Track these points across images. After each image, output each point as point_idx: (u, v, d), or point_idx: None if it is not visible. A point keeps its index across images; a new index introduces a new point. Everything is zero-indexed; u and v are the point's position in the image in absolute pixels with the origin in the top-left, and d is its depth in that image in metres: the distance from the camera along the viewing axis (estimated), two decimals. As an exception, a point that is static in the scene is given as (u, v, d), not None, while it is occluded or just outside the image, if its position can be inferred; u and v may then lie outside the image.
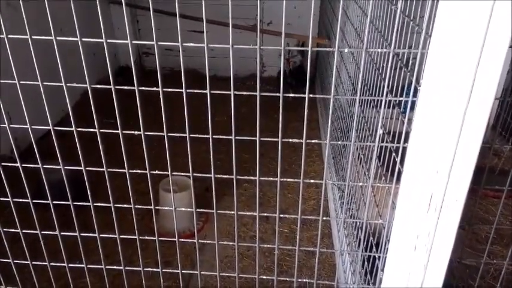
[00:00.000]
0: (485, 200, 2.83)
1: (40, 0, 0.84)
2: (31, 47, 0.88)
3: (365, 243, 1.59)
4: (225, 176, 1.02)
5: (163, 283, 1.19)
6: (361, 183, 1.94)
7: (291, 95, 0.95)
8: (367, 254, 1.53)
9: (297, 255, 1.19)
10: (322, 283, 2.20)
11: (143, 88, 0.92)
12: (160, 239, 1.15)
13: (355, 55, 2.28)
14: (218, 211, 1.09)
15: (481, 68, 0.71)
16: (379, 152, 1.45)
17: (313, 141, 1.05)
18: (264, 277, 1.20)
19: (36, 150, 1.03)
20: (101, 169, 1.02)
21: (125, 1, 4.53)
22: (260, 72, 5.05)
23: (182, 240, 2.65)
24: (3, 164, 1.06)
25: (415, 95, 0.94)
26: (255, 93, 0.90)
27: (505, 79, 2.95)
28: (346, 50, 2.55)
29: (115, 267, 1.17)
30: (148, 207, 1.11)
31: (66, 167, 1.04)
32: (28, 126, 1.00)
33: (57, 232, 1.15)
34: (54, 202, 1.11)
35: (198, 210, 1.10)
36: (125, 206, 1.08)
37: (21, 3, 0.86)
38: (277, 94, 0.90)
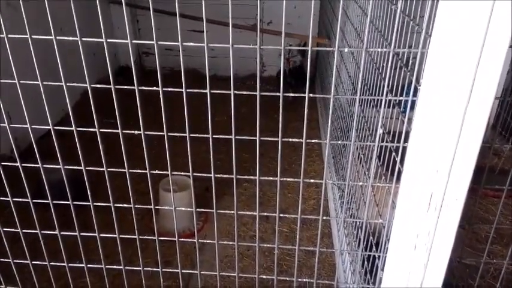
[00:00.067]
0: (485, 199, 2.83)
1: (40, 0, 0.84)
2: (31, 46, 0.88)
3: (365, 242, 1.59)
4: (225, 176, 1.02)
5: (163, 283, 1.19)
6: (361, 183, 1.94)
7: (291, 94, 0.95)
8: (367, 254, 1.53)
9: (297, 255, 1.19)
10: (322, 283, 2.20)
11: (143, 88, 0.92)
12: (160, 238, 1.15)
13: (355, 55, 2.28)
14: (218, 211, 1.09)
15: (481, 67, 0.71)
16: (379, 151, 1.45)
17: (313, 140, 1.05)
18: (264, 277, 1.20)
19: (36, 150, 1.03)
20: (101, 169, 1.02)
21: (124, 1, 4.53)
22: (260, 72, 5.05)
23: (182, 240, 2.65)
24: (3, 163, 1.06)
25: (415, 94, 0.94)
26: (255, 93, 0.90)
27: (505, 79, 2.95)
28: (346, 50, 2.55)
29: (115, 266, 1.17)
30: (148, 207, 1.11)
31: (66, 167, 1.04)
32: (28, 126, 1.00)
33: (57, 232, 1.15)
34: (54, 202, 1.11)
35: (198, 210, 1.10)
36: (125, 205, 1.08)
37: (21, 3, 0.86)
38: (277, 94, 0.90)
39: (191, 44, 0.86)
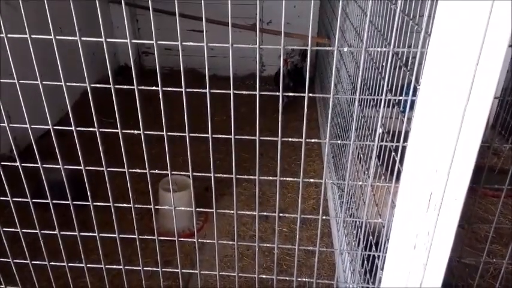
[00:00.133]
0: (484, 199, 2.83)
1: (40, 0, 0.84)
2: (30, 46, 0.88)
3: (364, 242, 1.59)
4: (224, 175, 1.02)
5: (163, 282, 1.19)
6: (360, 183, 1.94)
7: (291, 94, 0.95)
8: (367, 253, 1.53)
9: (297, 255, 1.19)
10: (322, 282, 2.20)
11: (143, 87, 0.92)
12: (159, 238, 1.15)
13: (355, 54, 2.28)
14: (218, 210, 1.09)
15: (481, 67, 0.71)
16: (379, 151, 1.45)
17: (312, 140, 1.05)
18: (264, 276, 1.20)
19: (35, 150, 1.03)
20: (101, 168, 1.02)
21: (124, 0, 4.53)
22: (260, 72, 5.05)
23: (182, 239, 2.65)
24: (2, 163, 1.06)
25: (414, 94, 0.94)
26: (254, 93, 0.90)
27: (504, 78, 2.95)
28: (345, 49, 2.55)
29: (115, 266, 1.17)
30: (148, 206, 1.11)
31: (65, 167, 1.04)
32: (28, 126, 1.00)
33: (56, 232, 1.15)
34: (54, 202, 1.11)
35: (197, 209, 1.10)
36: (125, 205, 1.08)
37: (20, 3, 0.86)
38: (277, 93, 0.90)
39: (191, 43, 0.86)
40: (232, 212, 1.09)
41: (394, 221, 0.91)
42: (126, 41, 0.87)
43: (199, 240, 2.66)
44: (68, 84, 0.93)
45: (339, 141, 2.99)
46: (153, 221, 1.15)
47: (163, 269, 1.18)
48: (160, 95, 0.91)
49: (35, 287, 1.26)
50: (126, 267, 1.19)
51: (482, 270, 2.17)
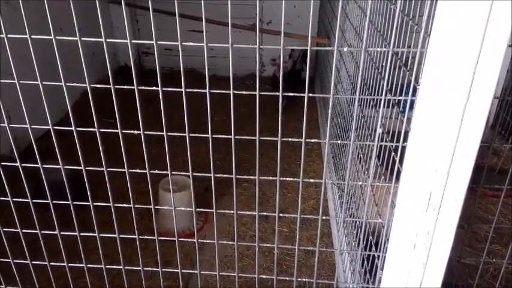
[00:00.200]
0: (484, 199, 2.83)
1: (40, 0, 0.84)
2: (30, 46, 0.88)
3: (364, 242, 1.59)
4: (224, 176, 1.02)
5: (163, 283, 1.20)
6: (360, 183, 1.94)
7: (291, 94, 0.95)
8: (367, 253, 1.53)
9: (297, 255, 1.19)
10: (322, 282, 2.20)
11: (143, 88, 0.93)
12: (160, 238, 1.15)
13: (355, 54, 2.29)
14: (218, 211, 1.09)
15: (480, 67, 0.71)
16: (379, 151, 1.45)
17: (312, 140, 1.05)
18: (264, 276, 1.20)
19: (35, 150, 1.03)
20: (101, 169, 1.02)
21: (124, 1, 4.53)
22: (259, 72, 5.05)
23: (182, 239, 2.65)
24: (3, 163, 1.06)
25: (414, 94, 0.94)
26: (254, 93, 0.90)
27: (504, 78, 2.95)
28: (345, 49, 2.55)
29: (115, 266, 1.17)
30: (148, 206, 1.11)
31: (65, 167, 1.04)
32: (28, 126, 1.00)
33: (56, 232, 1.15)
34: (54, 202, 1.11)
35: (197, 209, 1.10)
36: (125, 205, 1.09)
37: (20, 3, 0.86)
38: (277, 93, 0.90)
39: (190, 43, 0.86)
40: (232, 212, 1.09)
41: (394, 221, 0.91)
42: (126, 41, 0.87)
43: (199, 240, 2.66)
44: (68, 84, 0.93)
45: (338, 141, 2.99)
46: (153, 221, 1.15)
47: (163, 269, 1.18)
48: (160, 95, 0.91)
49: (35, 287, 1.26)
50: (126, 268, 1.19)
51: (482, 270, 2.17)
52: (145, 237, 1.15)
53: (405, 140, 0.86)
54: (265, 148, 3.47)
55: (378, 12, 1.77)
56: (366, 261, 1.55)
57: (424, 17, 0.93)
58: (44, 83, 0.93)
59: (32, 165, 1.05)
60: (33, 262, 1.22)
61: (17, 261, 1.23)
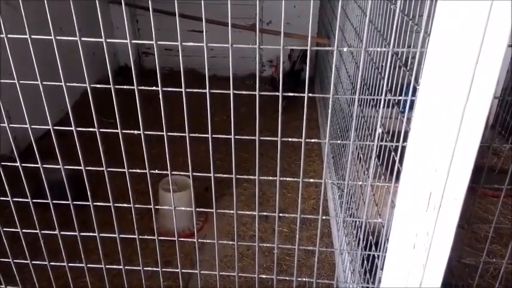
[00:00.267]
0: (484, 199, 2.83)
1: (40, 0, 0.84)
2: (31, 46, 0.88)
3: (364, 242, 1.59)
4: (224, 176, 1.02)
5: (163, 282, 1.20)
6: (360, 182, 1.94)
7: (291, 94, 0.95)
8: (367, 253, 1.53)
9: (297, 255, 1.19)
10: (322, 282, 2.20)
11: (143, 88, 0.93)
12: (160, 238, 1.15)
13: (355, 54, 2.29)
14: (218, 210, 1.10)
15: (480, 66, 0.72)
16: (379, 151, 1.46)
17: (312, 140, 1.05)
18: (264, 276, 1.20)
19: (35, 150, 1.03)
20: (101, 169, 1.02)
21: (124, 1, 4.53)
22: (259, 72, 5.05)
23: (182, 239, 2.65)
24: (3, 163, 1.06)
25: (414, 94, 0.94)
26: (254, 93, 0.90)
27: (504, 78, 2.95)
28: (345, 49, 2.55)
29: (115, 266, 1.17)
30: (148, 206, 1.11)
31: (65, 167, 1.04)
32: (28, 126, 1.00)
33: (56, 232, 1.15)
34: (54, 202, 1.11)
35: (197, 209, 1.10)
36: (125, 205, 1.09)
37: (20, 3, 0.86)
38: (277, 93, 0.90)
39: (190, 43, 0.86)
40: (232, 212, 1.09)
41: (394, 220, 0.91)
42: (126, 41, 0.87)
43: (199, 240, 2.66)
44: (68, 84, 0.93)
45: (338, 141, 2.99)
46: (153, 221, 1.15)
47: (163, 269, 1.18)
48: (160, 95, 0.91)
49: (35, 287, 1.26)
50: (126, 267, 1.19)
51: (482, 270, 2.17)
52: (146, 237, 1.15)
53: (405, 139, 0.86)
54: (265, 148, 3.47)
55: (377, 12, 1.77)
56: (365, 261, 1.55)
57: (424, 16, 0.93)
58: (44, 83, 0.93)
59: (32, 165, 1.05)
60: (33, 262, 1.23)
61: (17, 261, 1.23)
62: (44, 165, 1.05)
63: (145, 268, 1.18)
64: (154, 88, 0.92)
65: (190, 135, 0.96)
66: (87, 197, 1.06)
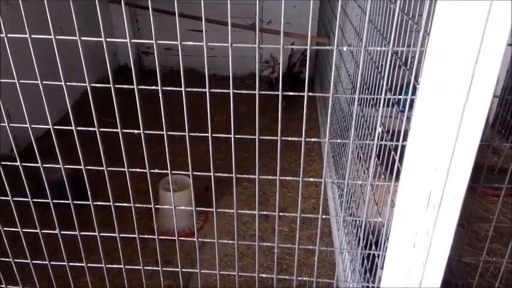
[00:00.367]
0: (484, 198, 2.83)
1: (40, 0, 0.84)
2: (31, 46, 0.88)
3: (364, 241, 1.60)
4: (224, 175, 1.02)
5: (163, 282, 1.20)
6: (360, 182, 1.94)
7: (291, 93, 0.95)
8: (367, 252, 1.54)
9: (297, 254, 1.19)
10: (322, 281, 2.20)
11: (143, 87, 0.93)
12: (160, 237, 1.15)
13: (355, 54, 2.29)
14: (218, 210, 1.10)
15: (479, 65, 0.72)
16: (378, 150, 1.46)
17: (312, 139, 1.05)
18: (264, 275, 1.21)
19: (36, 149, 1.03)
20: (101, 168, 1.02)
21: (124, 0, 4.53)
22: (259, 72, 5.05)
23: (182, 239, 2.65)
24: (3, 163, 1.07)
25: (413, 93, 0.94)
26: (254, 92, 0.90)
27: (504, 77, 2.95)
28: (345, 49, 2.55)
29: (115, 266, 1.18)
30: (148, 206, 1.11)
31: (66, 166, 1.04)
32: (28, 125, 1.00)
33: (57, 231, 1.15)
34: (54, 201, 1.11)
35: (197, 209, 1.10)
36: (125, 204, 1.09)
37: (20, 3, 0.86)
38: (277, 93, 0.90)
39: (190, 43, 0.86)
40: (232, 211, 1.10)
41: (394, 219, 0.91)
42: (126, 40, 0.87)
43: (200, 239, 2.65)
44: (68, 84, 0.93)
45: (338, 141, 2.99)
46: (153, 220, 1.15)
47: (163, 269, 1.18)
48: (160, 95, 0.91)
49: (35, 287, 1.26)
50: (126, 267, 1.19)
51: (482, 269, 2.17)
52: (146, 236, 1.15)
53: (405, 139, 0.86)
54: (265, 147, 3.47)
55: (377, 12, 1.77)
56: (366, 260, 1.55)
57: (424, 16, 0.93)
58: (44, 82, 0.93)
59: (32, 164, 1.05)
60: (33, 261, 1.23)
61: (17, 260, 1.23)
62: (44, 165, 1.05)
63: (145, 267, 1.18)
64: (154, 87, 0.92)
65: (190, 134, 0.96)
66: (87, 196, 1.06)
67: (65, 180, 1.07)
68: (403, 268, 0.95)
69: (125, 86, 0.92)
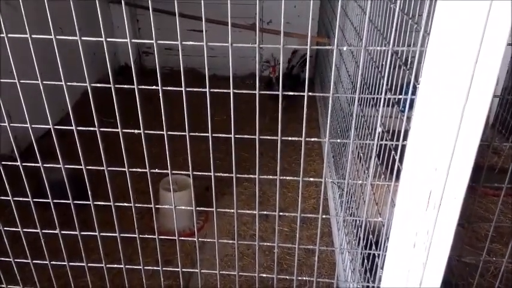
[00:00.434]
0: (484, 198, 2.83)
1: (40, 0, 0.84)
2: (31, 46, 0.88)
3: (365, 241, 1.60)
4: (224, 175, 1.02)
5: (163, 282, 1.20)
6: (360, 182, 1.94)
7: (291, 93, 0.95)
8: (367, 252, 1.54)
9: (297, 254, 1.19)
10: (322, 281, 2.20)
11: (143, 87, 0.93)
12: (160, 237, 1.15)
13: (355, 53, 2.29)
14: (218, 210, 1.10)
15: (479, 65, 0.72)
16: (379, 150, 1.46)
17: (312, 139, 1.06)
18: (264, 275, 1.21)
19: (36, 149, 1.03)
20: (101, 168, 1.02)
21: (124, 0, 4.53)
22: (259, 72, 5.05)
23: (182, 238, 2.65)
24: (3, 163, 1.07)
25: (414, 93, 0.94)
26: (254, 92, 0.90)
27: (504, 77, 2.95)
28: (345, 49, 2.55)
29: (115, 265, 1.18)
30: (149, 206, 1.11)
31: (66, 166, 1.05)
32: (28, 125, 1.00)
33: (57, 231, 1.15)
34: (55, 201, 1.11)
35: (198, 209, 1.10)
36: (125, 204, 1.09)
37: (20, 2, 0.86)
38: (277, 93, 0.90)
39: (190, 43, 0.86)
40: (232, 211, 1.10)
41: (394, 219, 0.91)
42: (126, 40, 0.87)
43: (200, 239, 2.65)
44: (68, 84, 0.93)
45: (338, 140, 2.99)
46: (153, 220, 1.15)
47: (163, 268, 1.18)
48: (161, 95, 0.91)
49: (36, 286, 1.26)
50: (126, 267, 1.19)
51: (482, 269, 2.17)
52: (146, 236, 1.15)
53: (405, 138, 0.86)
54: (265, 147, 3.47)
55: (377, 12, 1.77)
56: (366, 260, 1.55)
57: (424, 15, 0.93)
58: (44, 82, 0.93)
59: (33, 164, 1.06)
60: (34, 261, 1.23)
61: (17, 260, 1.23)
62: (45, 165, 1.05)
63: (145, 267, 1.18)
64: (154, 87, 0.92)
65: (191, 134, 0.96)
66: (87, 196, 1.06)
67: (66, 180, 1.07)
68: (403, 268, 0.95)
69: (125, 86, 0.92)
